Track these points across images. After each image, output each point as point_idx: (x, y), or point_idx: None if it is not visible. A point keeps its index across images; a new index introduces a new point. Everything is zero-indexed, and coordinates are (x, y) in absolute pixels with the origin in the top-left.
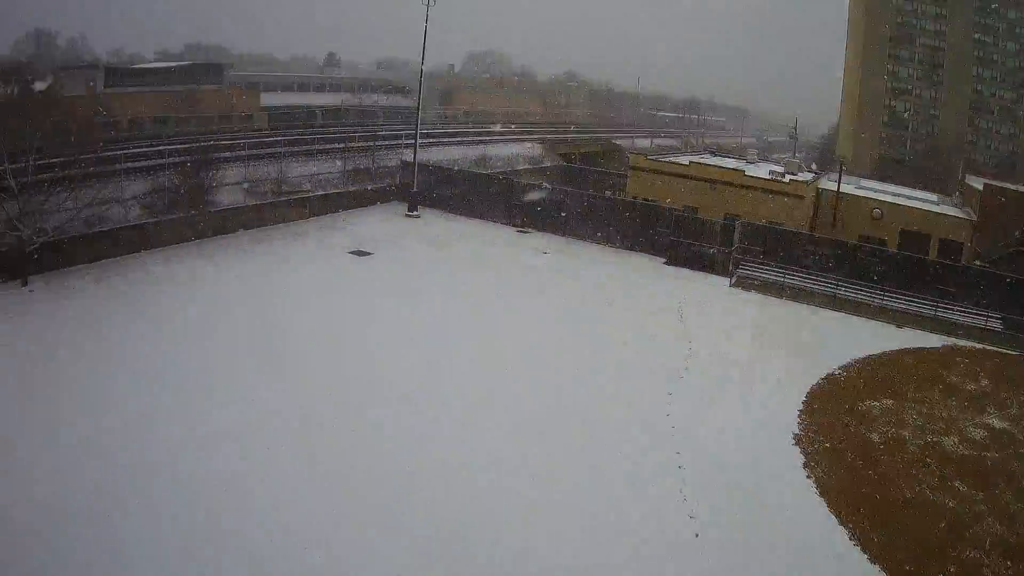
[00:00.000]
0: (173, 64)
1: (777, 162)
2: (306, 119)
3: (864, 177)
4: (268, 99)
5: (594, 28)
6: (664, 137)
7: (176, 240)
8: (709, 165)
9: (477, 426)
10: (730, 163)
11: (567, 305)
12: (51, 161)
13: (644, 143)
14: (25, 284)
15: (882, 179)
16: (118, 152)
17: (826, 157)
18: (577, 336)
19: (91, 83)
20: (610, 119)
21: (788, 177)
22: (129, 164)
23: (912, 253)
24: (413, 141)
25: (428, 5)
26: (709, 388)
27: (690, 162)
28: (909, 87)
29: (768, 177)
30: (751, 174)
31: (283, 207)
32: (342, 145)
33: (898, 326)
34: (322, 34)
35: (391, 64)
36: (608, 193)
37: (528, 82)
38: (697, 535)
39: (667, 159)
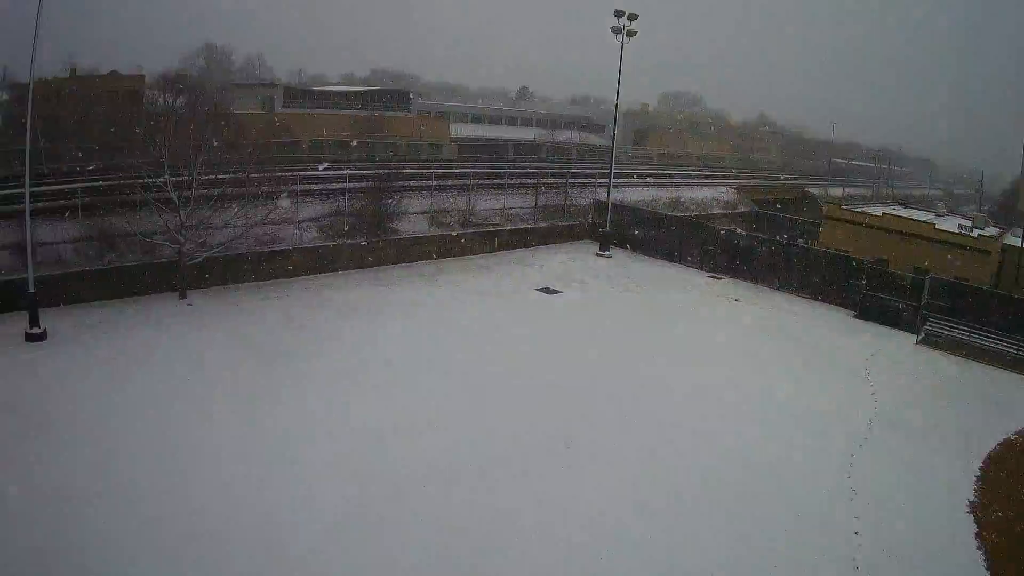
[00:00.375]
0: (358, 88)
1: (964, 216)
2: (498, 152)
3: None
4: (458, 129)
5: (787, 73)
6: (855, 186)
7: (353, 266)
8: (901, 217)
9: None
10: (920, 215)
11: (755, 356)
12: (219, 176)
13: (836, 191)
14: (183, 297)
15: None
16: (295, 173)
17: (1009, 212)
18: (764, 391)
19: (268, 101)
20: (802, 165)
21: (976, 232)
22: (307, 186)
23: None
24: (607, 180)
25: (623, 43)
26: (889, 450)
27: (883, 213)
28: None
29: (956, 231)
30: (941, 227)
31: (470, 240)
32: (534, 181)
33: None
34: (515, 67)
35: (584, 101)
36: (800, 241)
37: (720, 125)
38: None
39: (859, 209)
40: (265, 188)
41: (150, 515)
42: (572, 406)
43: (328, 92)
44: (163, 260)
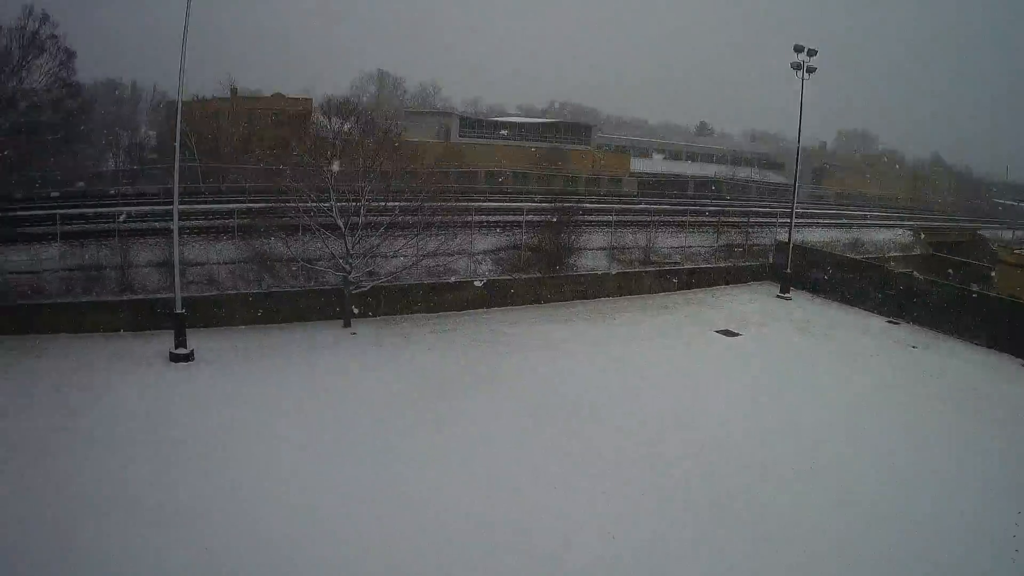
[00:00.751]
0: (538, 120)
1: None
2: (678, 188)
3: None
4: (638, 164)
5: (960, 110)
6: None
7: (529, 301)
8: None
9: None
10: None
11: (930, 411)
12: (390, 204)
13: (1007, 234)
14: (347, 325)
15: None
16: (472, 203)
17: None
18: (942, 452)
19: (443, 130)
20: (975, 207)
21: None
22: (484, 217)
23: None
24: (788, 220)
25: (803, 79)
26: None
27: None
28: None
29: None
30: None
31: (650, 278)
32: (715, 219)
33: None
34: (694, 102)
35: (763, 137)
36: (974, 286)
37: (895, 164)
38: None
39: None
40: (439, 218)
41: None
42: (765, 455)
43: (506, 123)
44: (326, 287)
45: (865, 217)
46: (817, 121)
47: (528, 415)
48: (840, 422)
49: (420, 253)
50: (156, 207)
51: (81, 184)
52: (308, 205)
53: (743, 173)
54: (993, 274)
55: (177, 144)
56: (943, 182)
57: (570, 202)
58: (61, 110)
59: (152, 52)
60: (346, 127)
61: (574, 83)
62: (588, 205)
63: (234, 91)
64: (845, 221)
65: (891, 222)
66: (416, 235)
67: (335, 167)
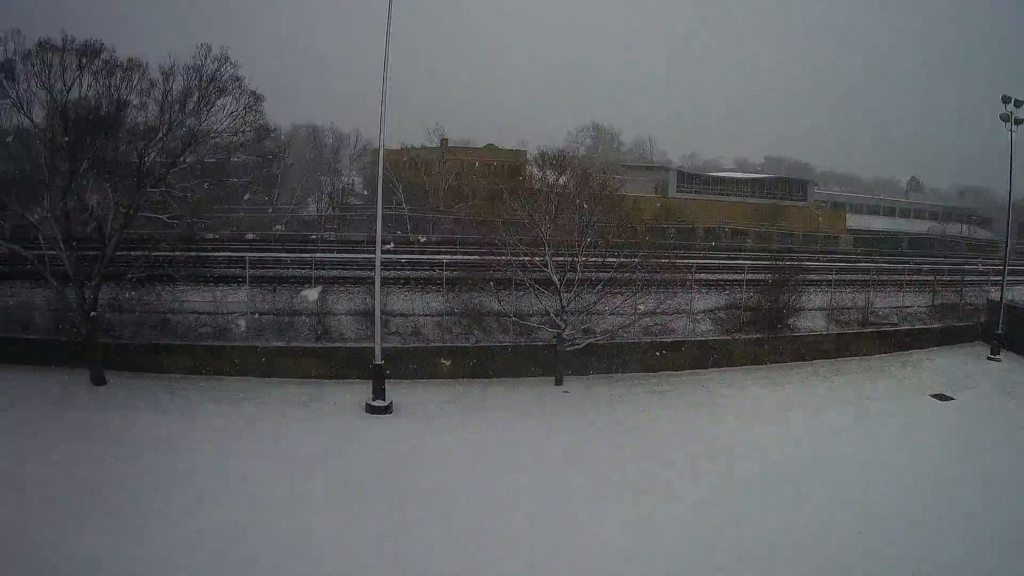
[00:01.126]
0: (754, 175)
1: None
2: (890, 245)
3: None
4: (853, 221)
5: None
6: None
7: (747, 362)
8: None
9: None
10: None
11: None
12: (608, 260)
13: None
14: (559, 383)
15: None
16: (691, 260)
17: None
18: None
19: (661, 185)
20: None
21: None
22: (703, 275)
23: None
24: (1000, 278)
25: (1011, 131)
26: None
27: None
28: None
29: None
30: None
31: (866, 339)
32: (931, 278)
33: None
34: (904, 155)
35: (972, 191)
36: None
37: None
38: None
39: None
40: (659, 275)
41: None
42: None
43: (722, 178)
44: (537, 343)
45: None
46: None
47: (744, 487)
48: None
49: (639, 312)
50: (359, 255)
51: (279, 228)
52: (522, 259)
53: (953, 229)
54: None
55: (379, 193)
56: None
57: (790, 260)
58: (251, 152)
59: (354, 100)
60: (561, 180)
61: (788, 136)
62: (808, 263)
63: (444, 141)
64: None
65: None
66: (634, 293)
67: (550, 221)
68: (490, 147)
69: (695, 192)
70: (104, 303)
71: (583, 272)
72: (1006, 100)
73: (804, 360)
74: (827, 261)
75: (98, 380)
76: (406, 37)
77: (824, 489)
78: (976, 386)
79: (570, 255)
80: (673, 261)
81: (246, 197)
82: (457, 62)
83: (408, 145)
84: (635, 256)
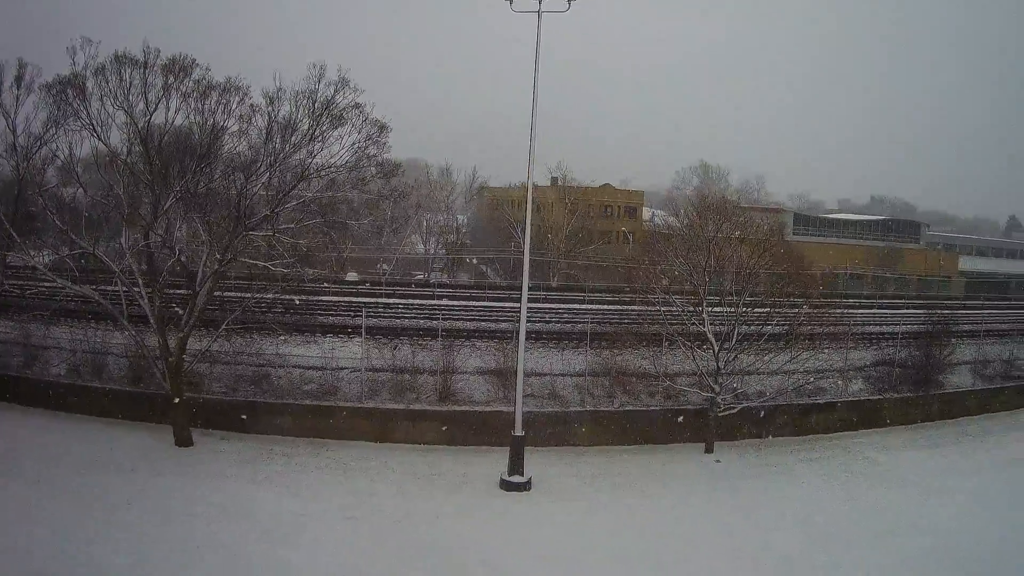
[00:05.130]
0: (868, 217)
1: None
2: (1000, 288)
3: None
4: (963, 263)
5: None
6: None
7: (897, 421)
8: None
9: None
10: None
11: None
12: (772, 312)
13: None
14: (710, 451)
15: None
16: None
17: None
18: None
19: (777, 228)
20: None
21: None
22: (855, 328)
23: None
24: None
25: None
26: None
27: None
28: None
29: None
30: None
31: (1011, 393)
32: None
33: None
34: (998, 195)
35: None
36: None
37: None
38: None
39: None
40: (819, 329)
41: None
42: None
43: (837, 220)
44: (687, 407)
45: None
46: None
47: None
48: None
49: (798, 371)
50: (481, 302)
51: (385, 268)
52: (676, 312)
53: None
54: None
55: (527, 233)
56: None
57: (945, 315)
58: (375, 191)
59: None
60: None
61: (890, 176)
62: (959, 313)
63: (554, 180)
64: None
65: None
66: (790, 350)
67: (708, 270)
68: (607, 187)
69: (812, 234)
70: (194, 353)
71: (744, 327)
72: None
73: (950, 417)
74: (978, 311)
75: (183, 441)
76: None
77: None
78: None
79: (729, 306)
80: (831, 312)
81: (382, 240)
82: (558, 97)
83: (519, 184)
84: (802, 307)
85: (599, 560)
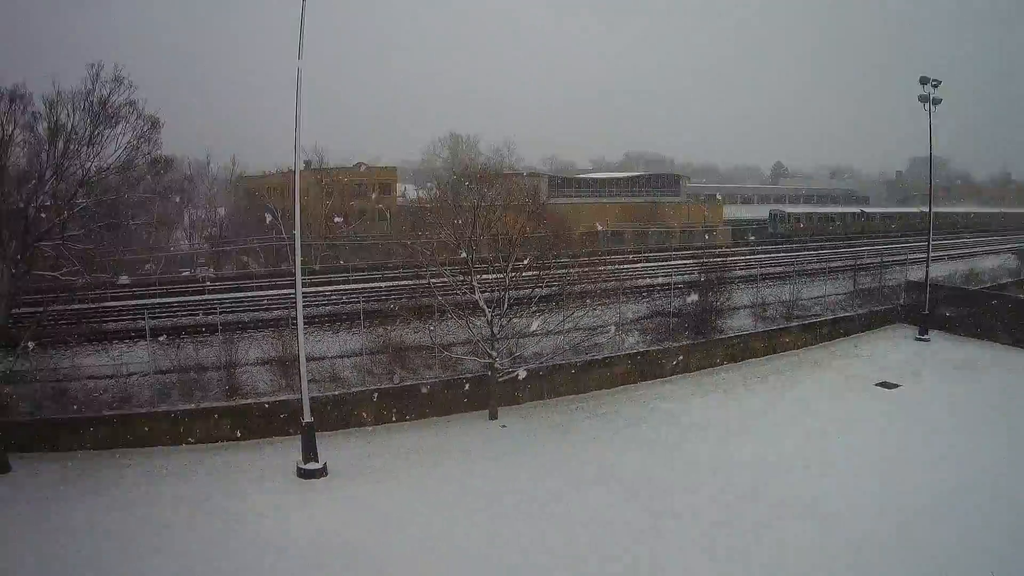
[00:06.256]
0: (625, 174)
1: None
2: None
3: None
4: (728, 212)
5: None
6: None
7: (679, 370)
8: None
9: None
10: None
11: None
12: (542, 274)
13: None
14: (494, 417)
15: None
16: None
17: None
18: None
19: (532, 191)
20: None
21: None
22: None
23: None
24: (923, 256)
25: (931, 111)
26: None
27: None
28: None
29: None
30: None
31: (793, 333)
32: (852, 263)
33: None
34: (763, 141)
35: (844, 172)
36: None
37: (966, 186)
38: None
39: None
40: (588, 286)
41: None
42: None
43: (594, 179)
44: (466, 375)
45: (967, 246)
46: (893, 146)
47: (719, 510)
48: None
49: (568, 329)
50: (250, 292)
51: (149, 266)
52: (445, 281)
53: (827, 209)
54: None
55: (297, 221)
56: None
57: (718, 262)
58: (144, 190)
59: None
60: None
61: (641, 133)
62: (732, 259)
63: (308, 163)
64: (955, 252)
65: (993, 248)
66: (562, 310)
67: (474, 239)
68: (360, 166)
69: (569, 196)
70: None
71: (514, 290)
72: (924, 81)
73: (735, 361)
74: (746, 255)
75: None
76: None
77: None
78: (917, 371)
79: (499, 272)
80: (601, 269)
81: (150, 239)
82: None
83: (281, 170)
84: (570, 268)
85: (399, 536)
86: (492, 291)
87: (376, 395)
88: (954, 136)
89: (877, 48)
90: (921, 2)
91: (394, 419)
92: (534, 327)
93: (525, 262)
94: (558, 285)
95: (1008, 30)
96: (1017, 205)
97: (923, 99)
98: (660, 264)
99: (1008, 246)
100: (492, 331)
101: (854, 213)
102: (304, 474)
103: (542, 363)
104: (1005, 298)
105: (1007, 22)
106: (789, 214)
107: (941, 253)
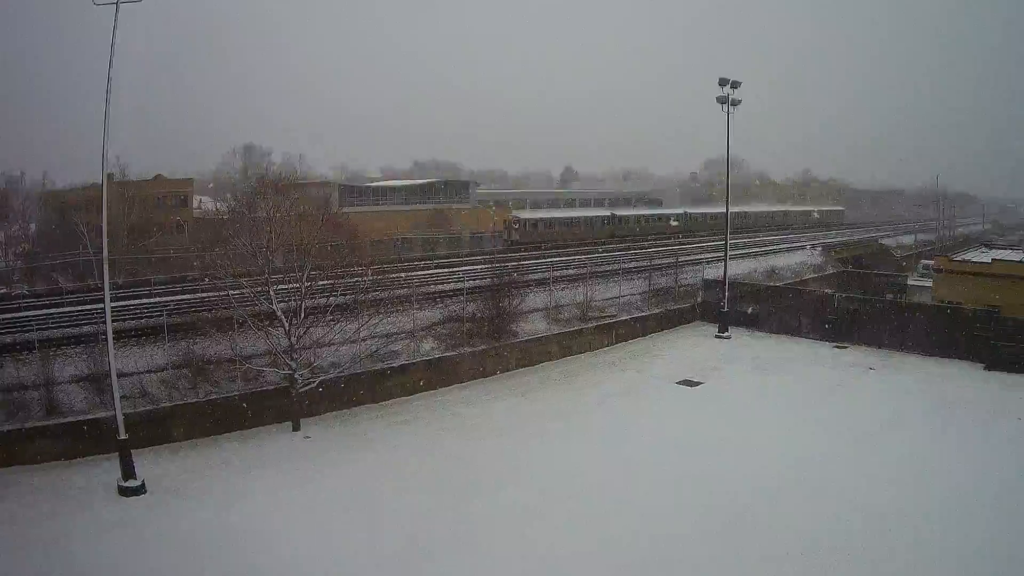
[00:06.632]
0: (416, 181)
1: None
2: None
3: None
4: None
5: (827, 128)
6: (924, 232)
7: (476, 375)
8: (1012, 262)
9: None
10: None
11: (924, 431)
12: (335, 283)
13: (907, 240)
14: (297, 429)
15: None
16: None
17: None
18: (956, 469)
19: (323, 201)
20: (864, 216)
21: None
22: (419, 290)
23: None
24: (721, 255)
25: (729, 112)
26: None
27: (992, 260)
28: None
29: None
30: None
31: (589, 335)
32: (646, 263)
33: None
34: (551, 146)
35: (636, 174)
36: (888, 296)
37: (768, 185)
38: None
39: (969, 259)
40: (379, 294)
41: None
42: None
43: (385, 187)
44: (269, 388)
45: (771, 243)
46: (690, 149)
47: (522, 507)
48: (854, 455)
49: (364, 337)
50: (62, 308)
51: None
52: (237, 292)
53: (629, 212)
54: (912, 282)
55: (104, 235)
56: (818, 196)
57: (509, 267)
58: None
59: None
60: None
61: (432, 140)
62: (524, 264)
63: (111, 176)
64: (755, 250)
65: (796, 244)
66: (358, 318)
67: (269, 249)
68: (159, 178)
69: (360, 205)
70: None
71: (309, 299)
72: (723, 83)
73: (531, 364)
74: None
75: None
76: None
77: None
78: (717, 367)
79: (296, 281)
80: (391, 277)
81: None
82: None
83: (87, 184)
84: (364, 276)
85: (216, 550)
86: (289, 301)
87: (184, 410)
88: (753, 137)
89: (675, 50)
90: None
91: (203, 434)
92: (331, 336)
93: (317, 271)
94: (352, 294)
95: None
96: (818, 203)
97: (721, 100)
98: (451, 270)
99: (812, 243)
100: (290, 341)
101: (604, 217)
102: (124, 492)
103: (341, 373)
104: (805, 293)
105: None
106: (525, 220)
107: (738, 252)
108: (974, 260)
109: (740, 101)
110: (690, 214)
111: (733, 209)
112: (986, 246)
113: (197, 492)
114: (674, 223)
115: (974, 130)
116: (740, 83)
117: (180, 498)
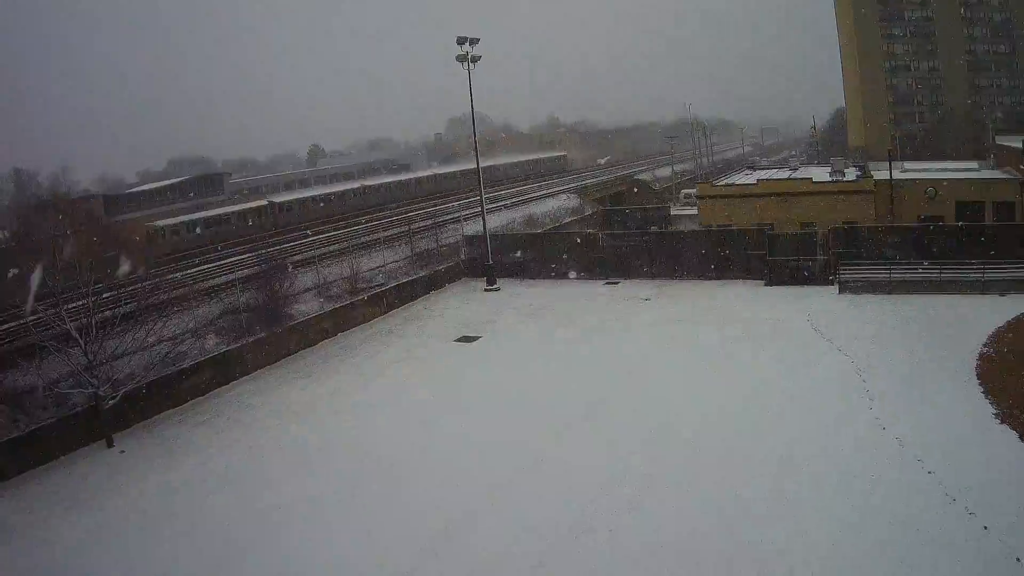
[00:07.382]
0: (170, 181)
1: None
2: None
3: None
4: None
5: (563, 70)
6: (682, 162)
7: (263, 363)
8: (776, 180)
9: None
10: (785, 174)
11: (707, 345)
12: (118, 294)
13: (663, 172)
14: (111, 445)
15: (904, 159)
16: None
17: (838, 148)
18: (742, 371)
19: (89, 214)
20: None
21: (839, 176)
22: (181, 288)
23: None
24: (478, 211)
25: (470, 70)
26: (888, 385)
27: (758, 180)
28: (908, 62)
29: (832, 180)
30: (818, 180)
31: (362, 306)
32: (405, 228)
33: (1001, 294)
34: (298, 127)
35: (382, 143)
36: (653, 228)
37: (515, 136)
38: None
39: (733, 183)
40: (152, 299)
41: None
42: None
43: (144, 192)
44: (78, 409)
45: (529, 192)
46: (428, 115)
47: (328, 507)
48: (630, 378)
49: (153, 343)
50: None
51: None
52: (38, 318)
53: (374, 181)
54: (676, 211)
55: None
56: (568, 140)
57: (274, 253)
58: None
59: None
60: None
61: (180, 137)
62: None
63: None
64: (510, 201)
65: (551, 190)
66: (144, 324)
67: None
68: None
69: (126, 212)
70: None
71: (99, 313)
72: (461, 41)
73: (312, 345)
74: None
75: None
76: None
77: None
78: (492, 320)
79: (84, 298)
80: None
81: None
82: None
83: None
84: (145, 282)
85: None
86: (79, 319)
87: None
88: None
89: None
90: None
91: (28, 467)
92: (124, 346)
93: (101, 284)
94: (135, 301)
95: None
96: (565, 149)
97: (461, 59)
98: (220, 263)
99: (566, 187)
100: (88, 358)
101: (354, 189)
102: None
103: (139, 382)
104: (568, 236)
105: None
106: (279, 204)
107: (497, 205)
108: (738, 183)
109: (480, 57)
110: (439, 175)
111: (483, 164)
112: (750, 168)
113: (25, 531)
114: (425, 185)
115: (723, 59)
116: (478, 39)
117: (11, 540)
